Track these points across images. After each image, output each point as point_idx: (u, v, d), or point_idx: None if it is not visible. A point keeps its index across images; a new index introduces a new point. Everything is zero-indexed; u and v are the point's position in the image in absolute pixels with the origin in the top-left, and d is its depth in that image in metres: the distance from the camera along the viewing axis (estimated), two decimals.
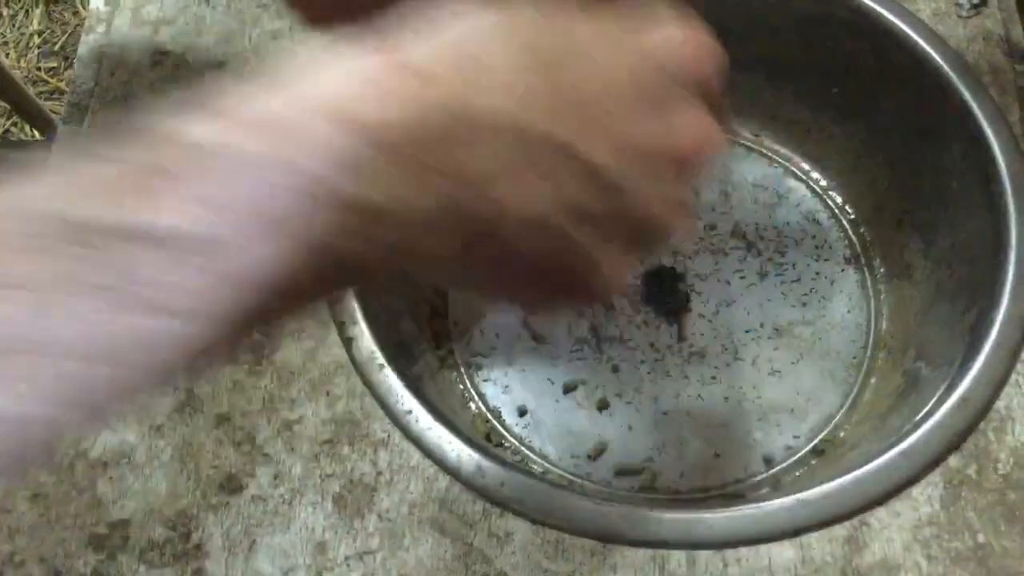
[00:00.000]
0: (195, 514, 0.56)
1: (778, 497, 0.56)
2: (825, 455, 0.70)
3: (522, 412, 0.74)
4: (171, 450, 0.58)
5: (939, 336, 0.69)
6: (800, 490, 0.56)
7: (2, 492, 0.57)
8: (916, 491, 0.56)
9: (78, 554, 0.55)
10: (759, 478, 0.71)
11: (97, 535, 0.55)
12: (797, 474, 0.70)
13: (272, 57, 0.71)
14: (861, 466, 0.56)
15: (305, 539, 0.55)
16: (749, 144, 0.85)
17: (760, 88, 0.82)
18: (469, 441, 0.58)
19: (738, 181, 0.83)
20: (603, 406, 0.74)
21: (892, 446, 0.57)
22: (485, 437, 0.72)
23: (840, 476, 0.56)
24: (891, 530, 0.54)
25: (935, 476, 0.56)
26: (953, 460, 0.56)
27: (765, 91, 0.82)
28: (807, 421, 0.73)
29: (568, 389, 0.74)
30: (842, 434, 0.71)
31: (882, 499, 0.55)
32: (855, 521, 0.55)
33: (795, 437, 0.72)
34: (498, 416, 0.74)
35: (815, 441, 0.72)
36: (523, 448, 0.72)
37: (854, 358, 0.75)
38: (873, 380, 0.74)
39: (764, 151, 0.84)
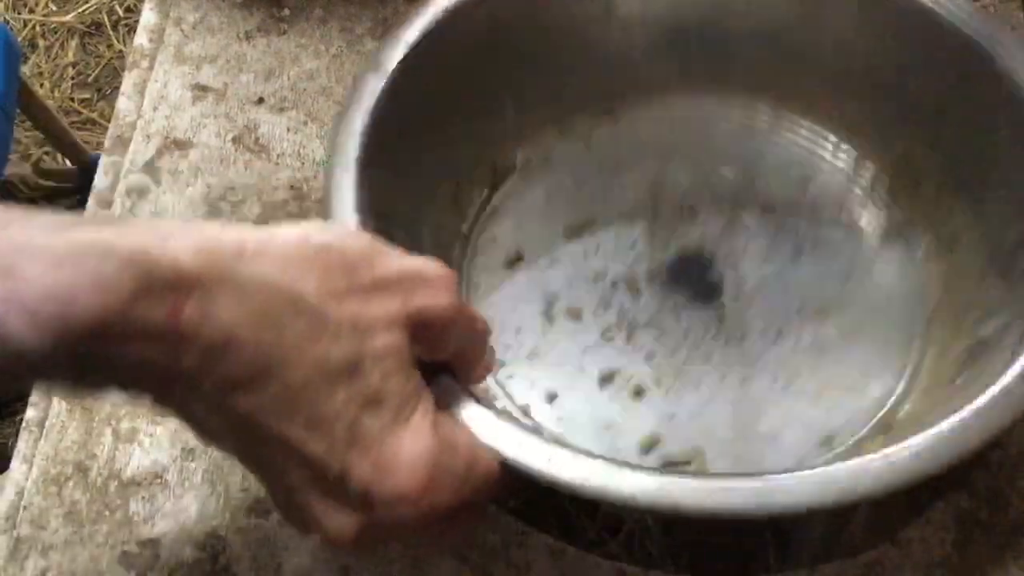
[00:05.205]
0: (224, 536, 0.57)
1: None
2: (892, 431, 0.64)
3: (552, 402, 0.67)
4: (202, 472, 0.59)
5: (998, 299, 0.64)
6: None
7: (38, 510, 0.58)
8: (928, 532, 0.57)
9: (110, 571, 0.57)
10: (821, 459, 0.64)
11: (128, 553, 0.57)
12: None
13: (308, 95, 0.73)
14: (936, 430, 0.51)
15: (330, 563, 0.57)
16: (776, 119, 0.79)
17: (788, 60, 0.76)
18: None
19: (766, 158, 0.77)
20: (639, 394, 0.68)
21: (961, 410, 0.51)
22: None
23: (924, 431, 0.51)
24: (903, 571, 0.55)
25: (947, 517, 0.57)
26: (964, 501, 0.58)
27: (792, 63, 0.76)
28: (865, 398, 0.67)
29: (602, 380, 0.68)
30: (907, 407, 0.65)
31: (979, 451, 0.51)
32: (868, 559, 0.56)
33: (853, 415, 0.66)
34: (527, 412, 0.67)
35: (876, 418, 0.66)
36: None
37: (907, 332, 0.69)
38: (931, 350, 0.68)
39: (792, 125, 0.78)
